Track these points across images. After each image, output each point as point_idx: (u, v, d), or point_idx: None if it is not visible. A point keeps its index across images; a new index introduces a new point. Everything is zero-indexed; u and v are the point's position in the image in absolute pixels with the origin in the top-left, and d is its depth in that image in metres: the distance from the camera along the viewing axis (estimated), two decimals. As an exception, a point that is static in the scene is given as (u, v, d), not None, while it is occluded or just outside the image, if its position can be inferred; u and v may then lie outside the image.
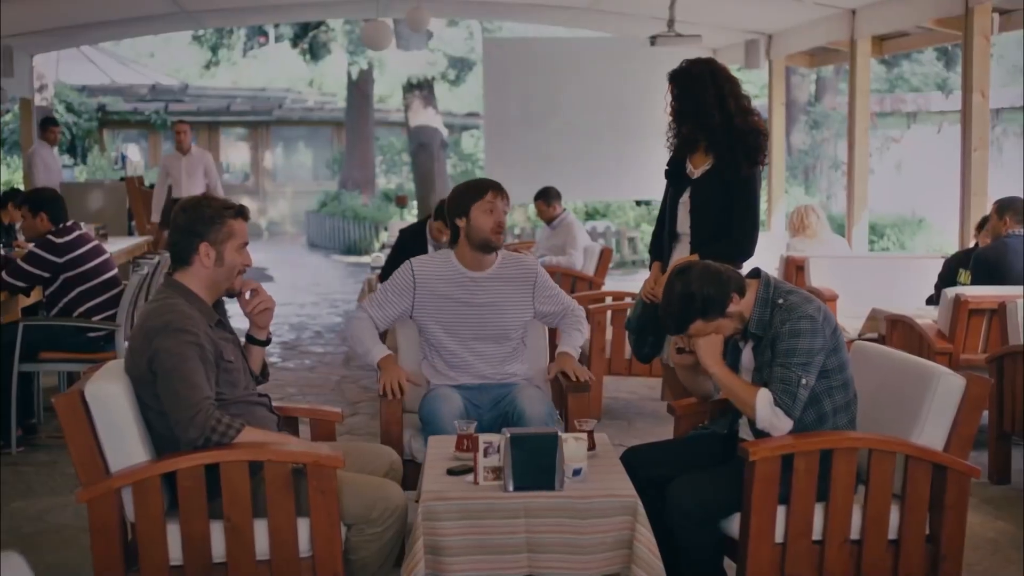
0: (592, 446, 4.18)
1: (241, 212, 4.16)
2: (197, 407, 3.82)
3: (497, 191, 5.06)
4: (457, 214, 5.09)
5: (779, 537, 4.00)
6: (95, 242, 7.28)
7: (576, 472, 3.89)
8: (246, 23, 23.83)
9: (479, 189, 5.09)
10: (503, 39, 19.70)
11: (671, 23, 11.22)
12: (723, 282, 4.14)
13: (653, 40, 11.62)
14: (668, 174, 5.44)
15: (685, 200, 5.30)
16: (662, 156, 5.55)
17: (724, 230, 5.17)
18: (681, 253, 5.29)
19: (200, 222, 4.07)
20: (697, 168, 5.30)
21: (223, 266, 4.08)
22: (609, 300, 8.23)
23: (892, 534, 4.06)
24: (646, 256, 5.17)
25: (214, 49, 26.35)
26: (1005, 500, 5.94)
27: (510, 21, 20.51)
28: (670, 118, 5.34)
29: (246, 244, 4.16)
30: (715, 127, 5.17)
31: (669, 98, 5.30)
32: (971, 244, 8.43)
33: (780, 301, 4.14)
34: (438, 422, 4.79)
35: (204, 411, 3.82)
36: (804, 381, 4.02)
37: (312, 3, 14.57)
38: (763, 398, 4.03)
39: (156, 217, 13.12)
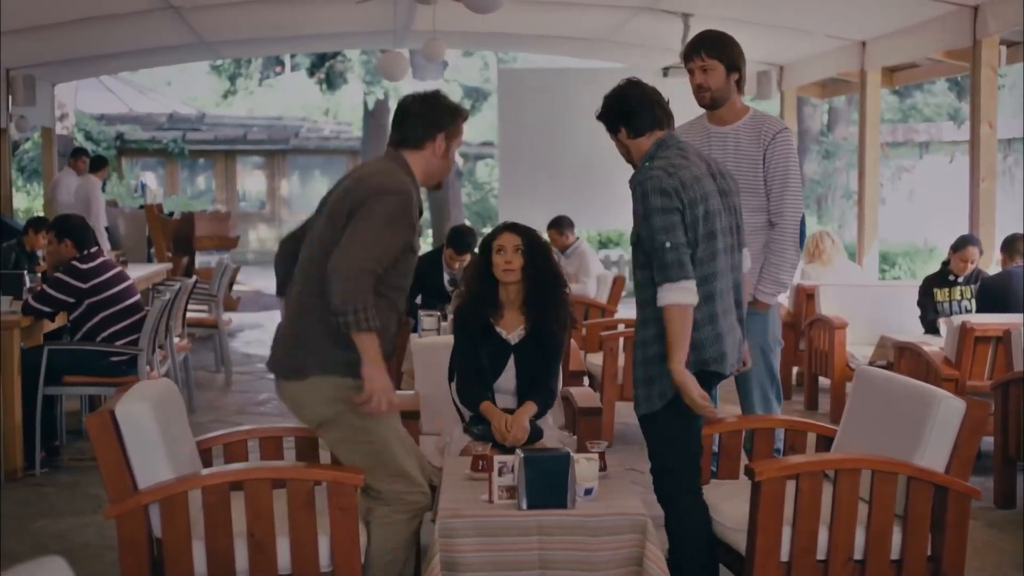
0: (604, 467, 4.31)
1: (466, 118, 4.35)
2: (361, 271, 3.84)
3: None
4: None
5: (784, 556, 4.12)
6: (119, 268, 7.44)
7: (588, 491, 4.02)
8: (263, 54, 24.05)
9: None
10: (517, 69, 19.89)
11: (683, 55, 11.37)
12: (645, 109, 4.23)
13: (666, 71, 11.80)
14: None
15: None
16: None
17: None
18: None
19: (442, 112, 4.21)
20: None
21: (446, 160, 4.22)
22: (621, 327, 8.34)
23: (895, 554, 4.16)
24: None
25: (231, 78, 26.55)
26: (1009, 524, 6.04)
27: (524, 52, 20.72)
28: None
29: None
30: None
31: None
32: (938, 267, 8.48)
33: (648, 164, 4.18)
34: None
35: (363, 282, 3.83)
36: (668, 244, 4.03)
37: (329, 34, 14.76)
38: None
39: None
